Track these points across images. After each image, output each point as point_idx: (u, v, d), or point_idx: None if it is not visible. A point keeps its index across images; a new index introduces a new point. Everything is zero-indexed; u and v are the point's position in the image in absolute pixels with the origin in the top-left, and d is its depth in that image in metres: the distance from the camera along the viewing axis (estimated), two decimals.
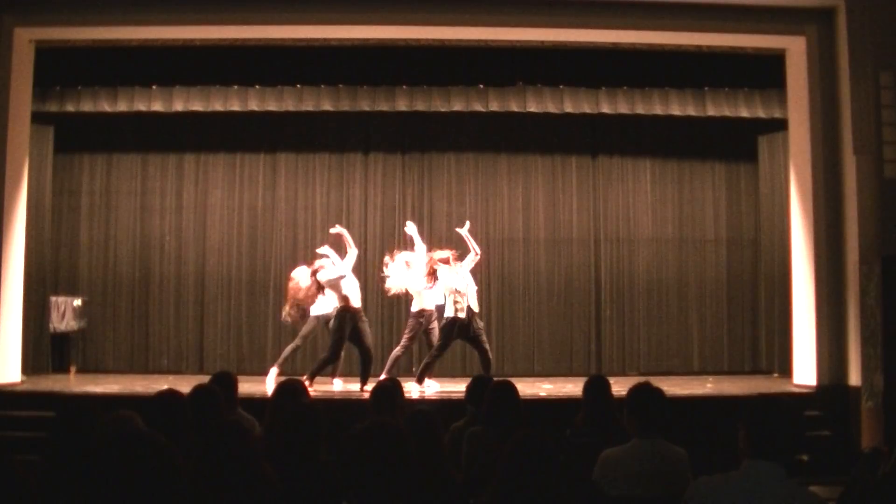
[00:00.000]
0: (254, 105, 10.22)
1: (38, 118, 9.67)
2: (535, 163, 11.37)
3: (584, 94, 10.26)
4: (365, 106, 10.35)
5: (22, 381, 8.84)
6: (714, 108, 10.28)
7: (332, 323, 8.75)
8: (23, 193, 8.94)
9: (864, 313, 7.97)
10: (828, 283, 8.58)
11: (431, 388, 8.81)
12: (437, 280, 8.63)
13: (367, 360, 8.73)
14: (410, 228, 9.27)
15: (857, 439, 7.79)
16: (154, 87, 10.12)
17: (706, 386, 9.46)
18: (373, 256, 10.70)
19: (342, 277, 8.62)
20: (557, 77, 10.11)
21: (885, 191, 8.05)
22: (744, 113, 10.27)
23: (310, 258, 9.59)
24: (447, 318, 8.55)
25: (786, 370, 9.62)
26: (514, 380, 5.01)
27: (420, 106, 10.33)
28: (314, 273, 8.75)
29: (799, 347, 8.89)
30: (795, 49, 8.95)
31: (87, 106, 10.19)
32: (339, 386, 8.97)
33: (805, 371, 8.73)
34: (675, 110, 10.31)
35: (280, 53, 9.71)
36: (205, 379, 5.02)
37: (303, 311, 9.13)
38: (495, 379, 5.07)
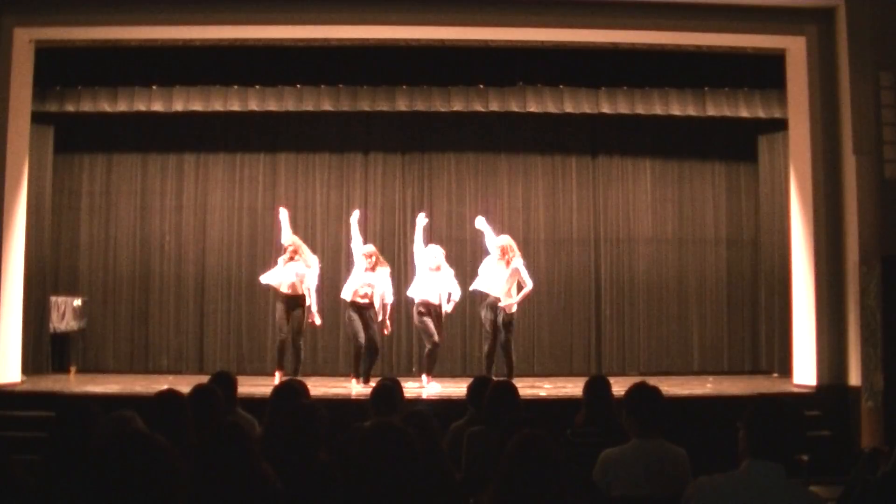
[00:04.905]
0: (254, 105, 10.21)
1: (38, 118, 9.66)
2: (535, 163, 11.36)
3: (584, 94, 10.24)
4: (365, 106, 10.33)
5: (22, 381, 8.84)
6: (714, 108, 10.27)
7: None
8: (23, 193, 8.93)
9: (864, 313, 7.97)
10: (828, 283, 8.57)
11: (432, 388, 8.84)
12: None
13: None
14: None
15: (857, 439, 7.79)
16: (154, 87, 10.10)
17: (706, 386, 9.46)
18: None
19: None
20: (557, 77, 10.09)
21: (885, 191, 8.05)
22: (744, 113, 10.26)
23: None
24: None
25: (786, 370, 9.61)
26: (514, 380, 5.01)
27: (420, 106, 10.31)
28: None
29: (799, 347, 8.89)
30: (795, 49, 8.94)
31: (87, 106, 10.17)
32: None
33: (805, 371, 8.72)
34: (675, 110, 10.29)
35: (280, 53, 9.71)
36: (205, 379, 5.02)
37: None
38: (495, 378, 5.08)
